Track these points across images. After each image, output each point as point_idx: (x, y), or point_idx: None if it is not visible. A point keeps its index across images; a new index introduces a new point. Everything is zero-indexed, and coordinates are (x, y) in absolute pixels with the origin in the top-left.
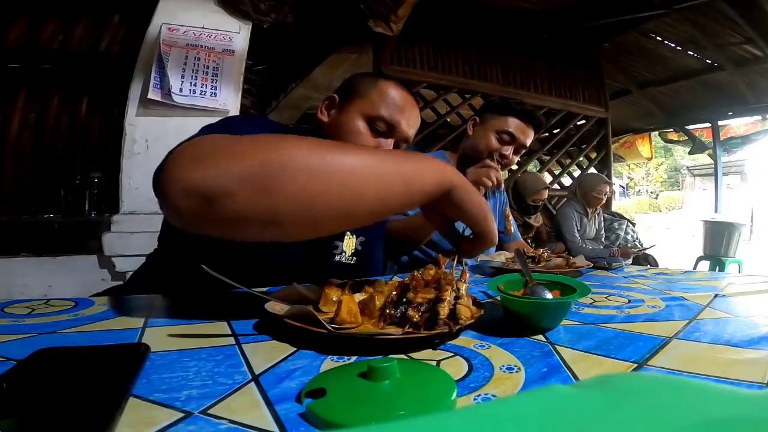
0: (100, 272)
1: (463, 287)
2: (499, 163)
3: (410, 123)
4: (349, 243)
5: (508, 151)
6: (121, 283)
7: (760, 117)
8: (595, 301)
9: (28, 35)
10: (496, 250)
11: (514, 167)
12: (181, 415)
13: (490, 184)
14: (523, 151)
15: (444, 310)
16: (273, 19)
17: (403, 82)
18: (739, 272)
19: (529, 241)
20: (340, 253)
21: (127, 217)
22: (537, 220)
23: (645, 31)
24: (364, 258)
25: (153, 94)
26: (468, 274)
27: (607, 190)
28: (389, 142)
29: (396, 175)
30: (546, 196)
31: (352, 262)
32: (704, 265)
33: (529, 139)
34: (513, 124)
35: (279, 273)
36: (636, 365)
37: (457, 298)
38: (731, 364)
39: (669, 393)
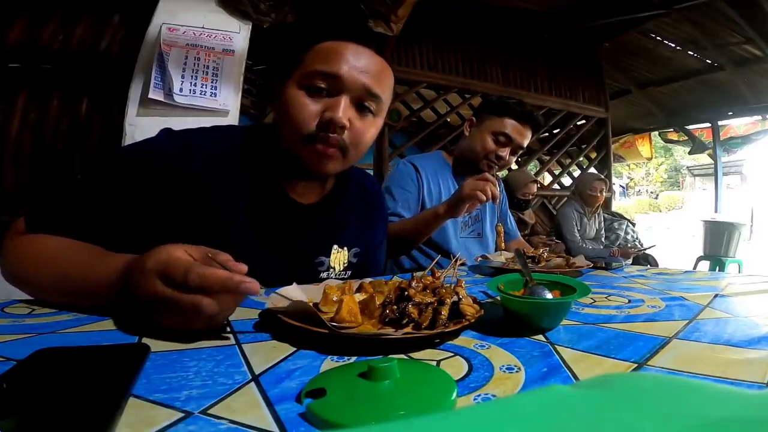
0: None
1: (462, 291)
2: (495, 165)
3: (359, 67)
4: (339, 258)
5: (505, 152)
6: None
7: (760, 117)
8: (595, 301)
9: (28, 35)
10: (496, 250)
11: (514, 167)
12: (181, 415)
13: (484, 198)
14: (521, 152)
15: (445, 310)
16: (273, 19)
17: (403, 82)
18: (739, 272)
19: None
20: (327, 270)
21: None
22: (531, 217)
23: (645, 31)
24: (361, 268)
25: (154, 94)
26: (463, 281)
27: (603, 187)
28: (340, 100)
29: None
30: (535, 190)
31: (346, 276)
32: (704, 265)
33: (526, 140)
34: (510, 125)
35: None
36: (636, 365)
37: (458, 299)
38: (731, 364)
39: (669, 393)
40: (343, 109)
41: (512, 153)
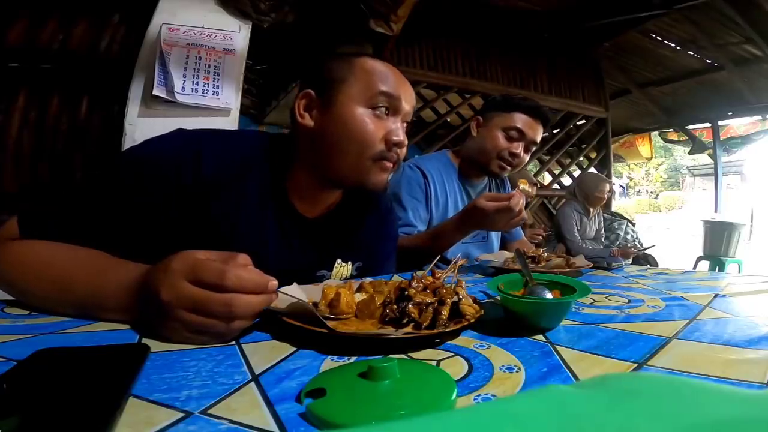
0: None
1: (462, 291)
2: (509, 163)
3: (407, 98)
4: (341, 271)
5: (519, 148)
6: None
7: (760, 117)
8: (595, 301)
9: (28, 35)
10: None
11: None
12: (181, 415)
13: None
14: (534, 148)
15: (446, 310)
16: (273, 19)
17: None
18: (739, 272)
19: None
20: None
21: None
22: (528, 217)
23: (645, 31)
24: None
25: (158, 91)
26: (464, 282)
27: (608, 189)
28: (398, 123)
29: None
30: (534, 193)
31: None
32: (704, 265)
33: (538, 135)
34: (520, 119)
35: None
36: (636, 365)
37: (458, 299)
38: (731, 364)
39: (669, 393)
40: (402, 131)
41: (526, 150)
